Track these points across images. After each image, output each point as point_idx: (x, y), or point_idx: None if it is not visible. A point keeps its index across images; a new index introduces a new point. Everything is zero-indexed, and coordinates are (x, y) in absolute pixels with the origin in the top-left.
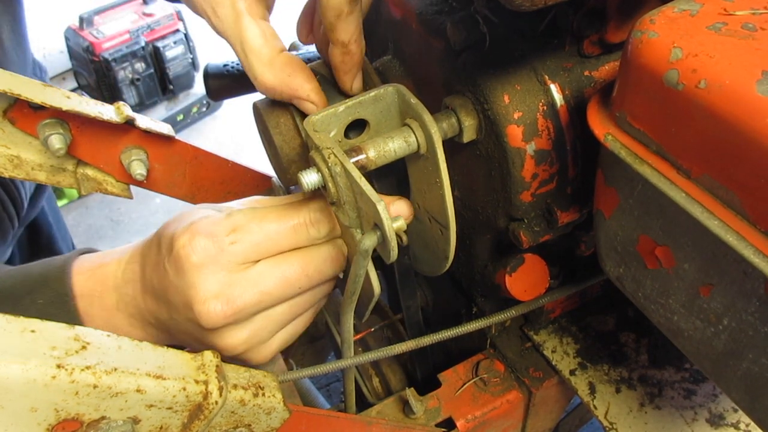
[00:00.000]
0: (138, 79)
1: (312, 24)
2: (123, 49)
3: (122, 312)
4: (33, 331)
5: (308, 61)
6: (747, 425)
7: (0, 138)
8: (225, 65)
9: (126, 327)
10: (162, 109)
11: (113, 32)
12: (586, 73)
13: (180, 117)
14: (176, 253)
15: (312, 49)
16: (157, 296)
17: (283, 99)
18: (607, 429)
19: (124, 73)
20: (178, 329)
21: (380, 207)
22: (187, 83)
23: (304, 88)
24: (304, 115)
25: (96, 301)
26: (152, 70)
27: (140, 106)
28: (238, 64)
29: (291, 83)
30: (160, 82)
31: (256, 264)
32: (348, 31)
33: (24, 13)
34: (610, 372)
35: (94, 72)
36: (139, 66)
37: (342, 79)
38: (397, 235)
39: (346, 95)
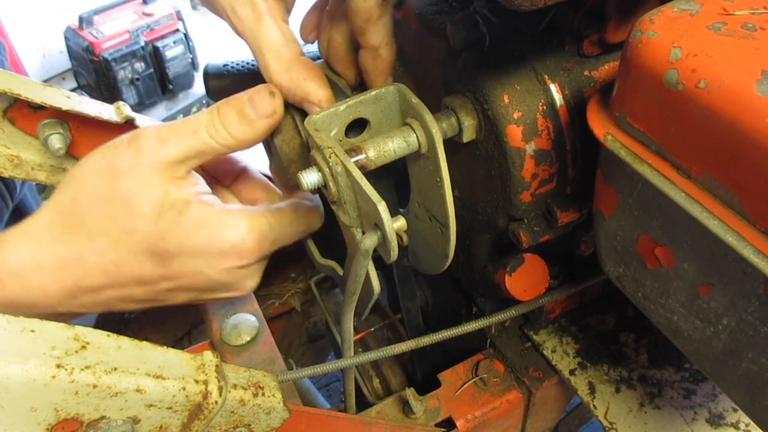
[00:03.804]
0: (138, 79)
1: (318, 23)
2: (123, 48)
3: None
4: (33, 331)
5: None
6: (747, 425)
7: (0, 138)
8: (225, 65)
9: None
10: (162, 109)
11: (113, 32)
12: (586, 72)
13: (180, 117)
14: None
15: (312, 48)
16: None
17: (294, 101)
18: (607, 429)
19: (123, 73)
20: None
21: (381, 207)
22: (187, 83)
23: (317, 94)
24: (303, 116)
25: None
26: (152, 70)
27: (140, 106)
28: (238, 64)
29: (305, 87)
30: (160, 82)
31: None
32: (379, 35)
33: None
34: (610, 372)
35: (94, 72)
36: (139, 66)
37: (373, 83)
38: (398, 235)
39: (345, 96)
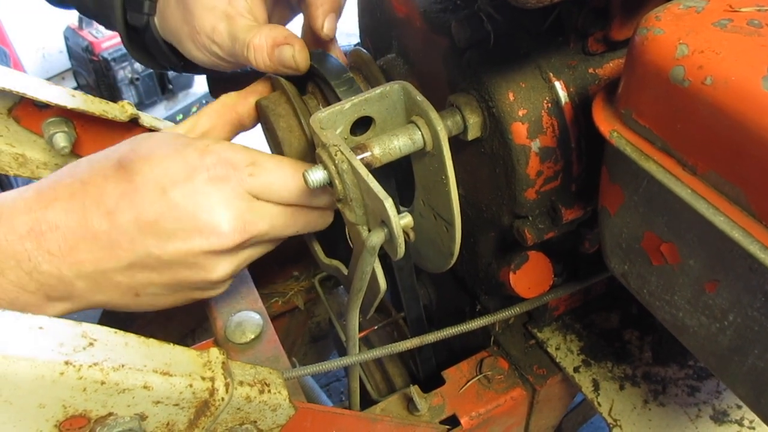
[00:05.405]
0: (137, 79)
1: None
2: (122, 48)
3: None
4: (41, 328)
5: None
6: (751, 422)
7: (5, 136)
8: None
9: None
10: (161, 109)
11: (112, 32)
12: (591, 70)
13: (179, 117)
14: (189, 172)
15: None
16: (126, 235)
17: (271, 56)
18: (611, 426)
19: (123, 73)
20: (134, 273)
21: (387, 204)
22: (187, 83)
23: (283, 34)
24: (306, 102)
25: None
26: (151, 70)
27: (140, 106)
28: None
29: (275, 35)
30: (160, 82)
31: (263, 201)
32: None
33: None
34: (614, 369)
35: (94, 71)
36: (139, 65)
37: (313, 14)
38: (404, 232)
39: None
